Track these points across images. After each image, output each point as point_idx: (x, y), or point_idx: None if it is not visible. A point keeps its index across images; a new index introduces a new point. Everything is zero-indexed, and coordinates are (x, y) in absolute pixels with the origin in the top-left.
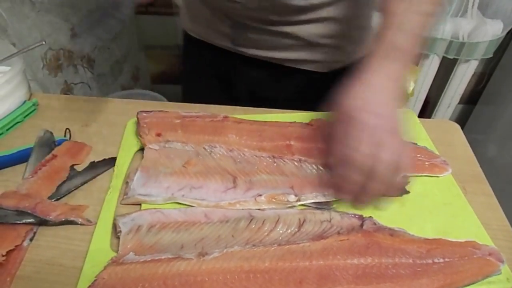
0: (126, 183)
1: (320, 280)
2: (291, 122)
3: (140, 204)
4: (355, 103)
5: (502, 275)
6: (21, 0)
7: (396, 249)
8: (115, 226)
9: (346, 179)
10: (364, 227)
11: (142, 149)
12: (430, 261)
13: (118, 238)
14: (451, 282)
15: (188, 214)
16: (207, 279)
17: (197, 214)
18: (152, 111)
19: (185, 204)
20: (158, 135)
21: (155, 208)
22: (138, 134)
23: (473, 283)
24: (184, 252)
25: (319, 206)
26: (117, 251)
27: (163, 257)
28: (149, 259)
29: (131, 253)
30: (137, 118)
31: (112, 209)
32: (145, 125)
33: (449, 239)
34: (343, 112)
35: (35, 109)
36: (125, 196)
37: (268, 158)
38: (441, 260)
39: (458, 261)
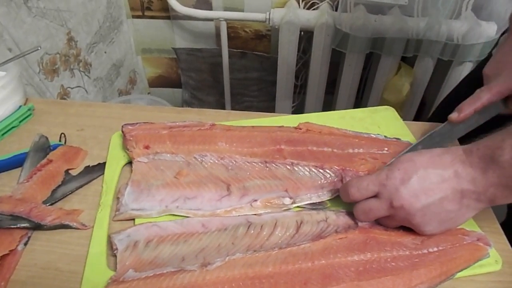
0: (117, 198)
1: (324, 279)
2: (279, 127)
3: (133, 219)
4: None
5: (491, 258)
6: (17, 5)
7: (393, 242)
8: (110, 244)
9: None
10: (360, 224)
11: (129, 163)
12: (425, 251)
13: (115, 256)
14: (447, 269)
15: (185, 225)
16: None
17: (194, 224)
18: (137, 123)
19: (181, 216)
20: (146, 147)
21: (150, 222)
22: (125, 147)
23: (466, 268)
24: (186, 264)
25: (314, 206)
26: (115, 270)
27: (165, 271)
28: (151, 275)
29: (130, 270)
30: (122, 131)
31: (105, 227)
32: (131, 138)
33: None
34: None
35: (30, 114)
36: (117, 213)
37: (260, 163)
38: (435, 249)
39: (451, 249)
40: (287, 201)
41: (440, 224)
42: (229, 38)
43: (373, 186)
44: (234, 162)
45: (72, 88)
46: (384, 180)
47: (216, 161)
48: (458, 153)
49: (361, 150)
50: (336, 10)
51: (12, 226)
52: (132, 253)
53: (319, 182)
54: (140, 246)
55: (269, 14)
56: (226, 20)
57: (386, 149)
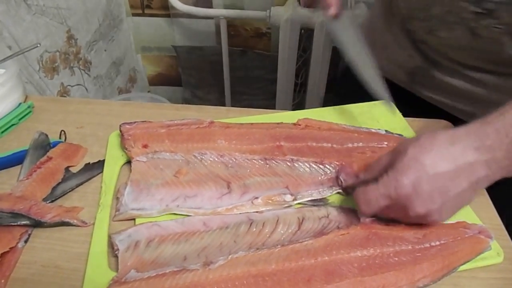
0: (117, 198)
1: (327, 276)
2: (278, 123)
3: (134, 219)
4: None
5: (493, 251)
6: (17, 3)
7: (395, 237)
8: (111, 245)
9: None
10: (361, 219)
11: (128, 162)
12: (427, 245)
13: (116, 256)
14: (449, 263)
15: (186, 224)
16: None
17: (195, 223)
18: (135, 122)
19: (182, 215)
20: (145, 146)
21: (150, 222)
22: (123, 147)
23: (468, 261)
24: (188, 264)
25: (315, 203)
26: (116, 270)
27: (167, 271)
28: (154, 275)
29: (132, 270)
30: (120, 130)
31: (105, 227)
32: (129, 138)
33: (441, 222)
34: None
35: (30, 112)
36: (117, 213)
37: (260, 160)
38: (437, 243)
39: (452, 242)
40: (288, 198)
41: (454, 211)
42: (229, 36)
43: (383, 200)
44: (234, 160)
45: (72, 86)
46: (393, 193)
47: (216, 159)
48: (469, 140)
49: (360, 144)
50: None
51: (12, 224)
52: (134, 253)
53: (320, 178)
54: (141, 246)
55: (270, 12)
56: (226, 18)
57: (385, 143)
